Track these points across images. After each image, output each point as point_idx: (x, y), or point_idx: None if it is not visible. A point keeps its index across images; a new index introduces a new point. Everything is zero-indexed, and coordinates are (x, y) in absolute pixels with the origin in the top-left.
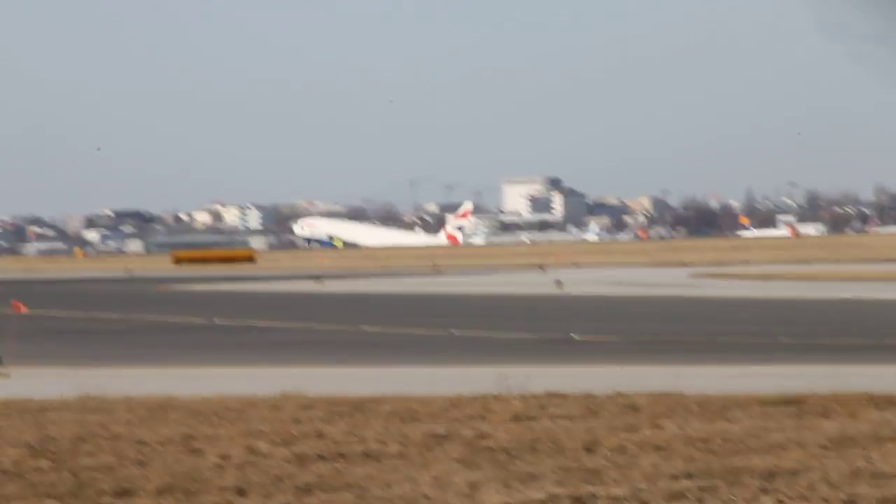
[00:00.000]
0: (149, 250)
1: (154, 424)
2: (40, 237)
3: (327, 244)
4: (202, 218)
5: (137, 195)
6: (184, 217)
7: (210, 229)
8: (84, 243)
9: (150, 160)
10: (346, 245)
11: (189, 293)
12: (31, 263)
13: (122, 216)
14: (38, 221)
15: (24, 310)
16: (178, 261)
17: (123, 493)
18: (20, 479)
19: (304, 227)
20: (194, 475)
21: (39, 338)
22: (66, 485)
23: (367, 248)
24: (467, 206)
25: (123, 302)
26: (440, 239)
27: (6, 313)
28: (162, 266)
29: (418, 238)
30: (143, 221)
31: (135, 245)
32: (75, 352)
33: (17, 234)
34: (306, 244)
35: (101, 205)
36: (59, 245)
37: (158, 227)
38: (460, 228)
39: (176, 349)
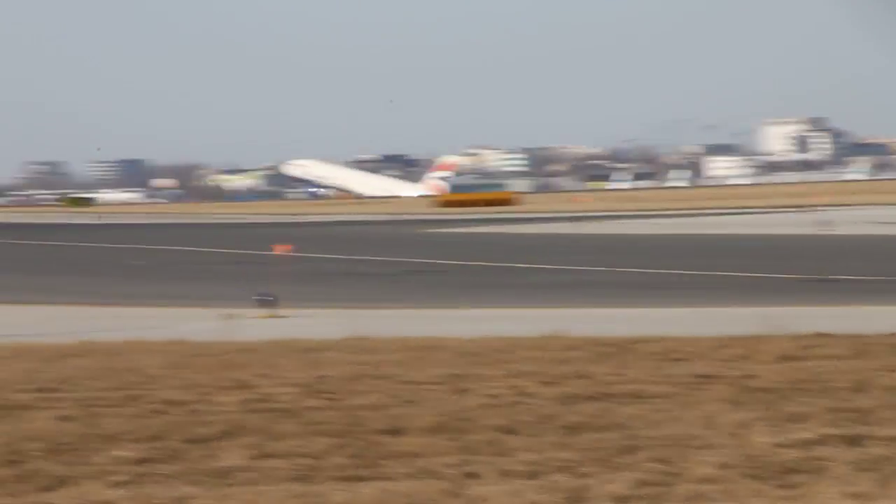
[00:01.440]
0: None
1: (423, 365)
2: (308, 182)
3: (314, 187)
4: (464, 161)
5: (402, 139)
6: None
7: (472, 172)
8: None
9: (414, 105)
10: (339, 191)
11: (453, 235)
12: (299, 207)
13: (386, 160)
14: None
15: (292, 252)
16: (443, 203)
17: (394, 431)
18: (295, 418)
19: (293, 168)
20: (462, 414)
21: (311, 279)
22: (339, 423)
23: (621, 191)
24: (451, 158)
25: (390, 244)
26: (424, 188)
27: (278, 255)
28: (426, 209)
29: (407, 187)
30: (406, 165)
31: None
32: (346, 293)
33: (282, 178)
34: (296, 185)
35: (367, 149)
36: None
37: (422, 170)
38: (443, 179)
39: (442, 290)
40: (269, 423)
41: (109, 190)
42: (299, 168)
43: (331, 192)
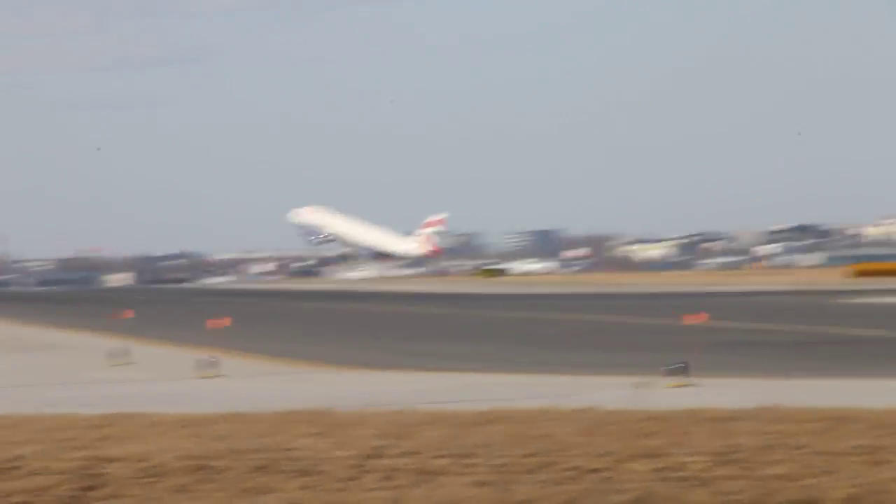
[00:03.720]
0: (825, 263)
1: (836, 435)
2: (715, 252)
3: (318, 234)
4: (877, 231)
5: (816, 209)
6: (858, 231)
7: (882, 242)
8: (759, 257)
9: (827, 174)
10: (339, 240)
11: (867, 306)
12: (707, 277)
13: (799, 230)
14: (714, 236)
15: (704, 322)
16: (859, 273)
17: (808, 502)
18: (707, 487)
19: (297, 216)
20: (879, 486)
21: (722, 349)
22: (751, 493)
23: None
24: (441, 215)
25: (800, 314)
26: (416, 242)
27: (689, 325)
28: (838, 279)
29: (404, 241)
30: (819, 235)
31: (811, 258)
32: (755, 363)
33: (690, 249)
34: (301, 232)
35: (780, 220)
36: (735, 259)
37: (834, 240)
38: (433, 234)
39: (854, 361)
40: (680, 492)
41: (523, 260)
42: (306, 216)
43: (332, 240)
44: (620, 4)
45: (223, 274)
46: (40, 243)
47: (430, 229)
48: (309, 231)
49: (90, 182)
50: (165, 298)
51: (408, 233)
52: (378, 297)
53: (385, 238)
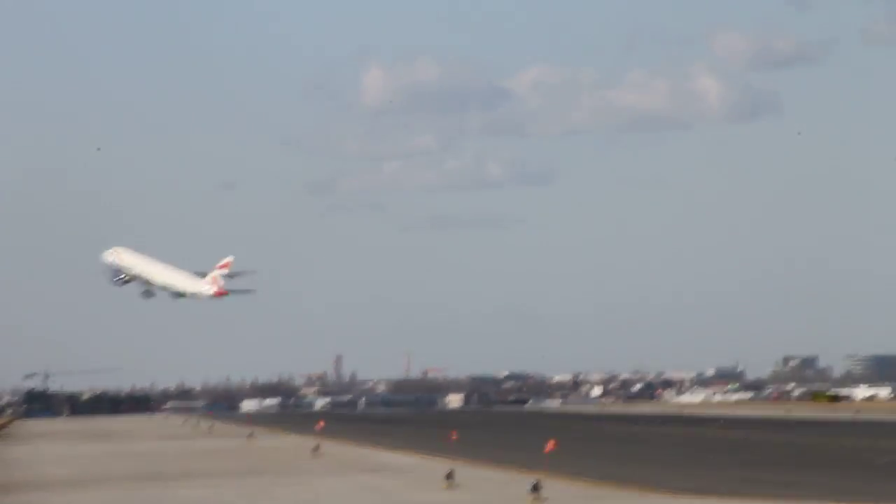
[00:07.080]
0: None
1: None
2: (118, 269)
3: (120, 275)
4: None
5: None
6: None
7: None
8: None
9: None
10: (130, 279)
11: None
12: None
13: None
14: None
15: None
16: None
17: None
18: None
19: (111, 256)
20: None
21: None
22: None
23: None
24: (228, 259)
25: None
26: (207, 283)
27: None
28: None
29: (194, 281)
30: None
31: None
32: None
33: None
34: (108, 273)
35: None
36: None
37: None
38: (220, 276)
39: None
40: None
41: (863, 385)
42: (113, 256)
43: (133, 280)
44: None
45: (559, 396)
46: (376, 363)
47: (219, 271)
48: (113, 272)
49: (428, 303)
50: (498, 420)
51: (203, 274)
52: (709, 421)
53: (182, 279)
